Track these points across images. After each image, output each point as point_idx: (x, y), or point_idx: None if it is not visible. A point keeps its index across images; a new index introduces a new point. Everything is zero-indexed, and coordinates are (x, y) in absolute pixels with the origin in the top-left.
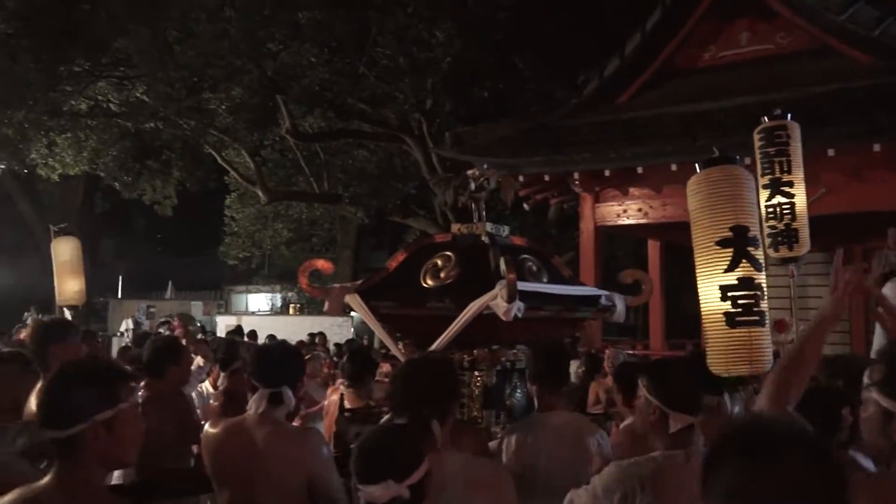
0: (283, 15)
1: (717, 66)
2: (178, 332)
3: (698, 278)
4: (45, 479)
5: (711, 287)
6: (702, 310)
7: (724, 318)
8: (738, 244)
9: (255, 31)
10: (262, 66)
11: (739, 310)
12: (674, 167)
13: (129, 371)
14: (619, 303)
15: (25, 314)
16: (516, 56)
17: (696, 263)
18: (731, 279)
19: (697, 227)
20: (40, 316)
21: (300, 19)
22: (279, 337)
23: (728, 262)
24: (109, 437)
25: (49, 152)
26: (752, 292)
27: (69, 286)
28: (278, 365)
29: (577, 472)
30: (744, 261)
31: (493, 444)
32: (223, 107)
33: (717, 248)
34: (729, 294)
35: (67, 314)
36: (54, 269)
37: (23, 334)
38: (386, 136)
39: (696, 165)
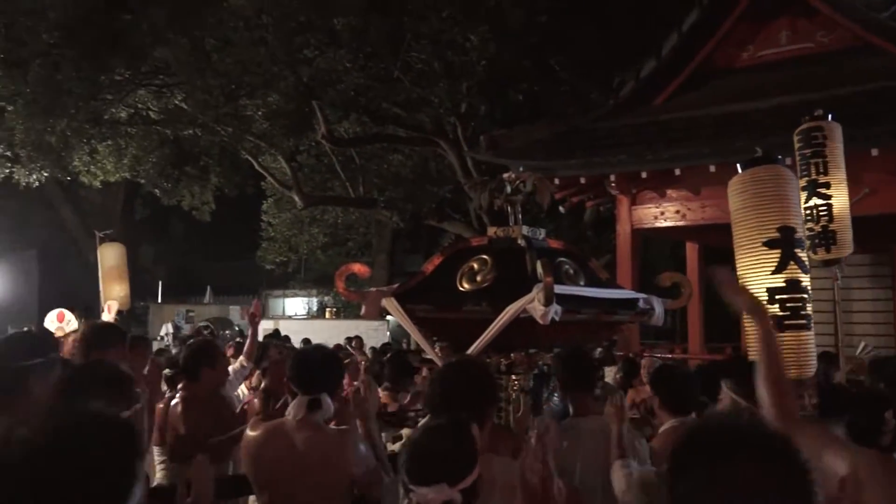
0: (318, 21)
1: (755, 66)
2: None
3: (742, 280)
4: None
5: (758, 289)
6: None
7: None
8: (786, 245)
9: (292, 37)
10: (298, 73)
11: (787, 313)
12: (712, 168)
13: (132, 374)
14: (658, 306)
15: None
16: (551, 58)
17: (740, 265)
18: (778, 281)
19: (741, 228)
20: (83, 320)
21: (335, 25)
22: (316, 341)
23: (776, 264)
24: None
25: (91, 160)
26: (799, 295)
27: (115, 291)
28: (317, 372)
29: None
30: (791, 262)
31: None
32: (260, 113)
33: (764, 249)
34: (777, 297)
35: (108, 317)
36: (100, 274)
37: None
38: (421, 141)
39: (738, 166)
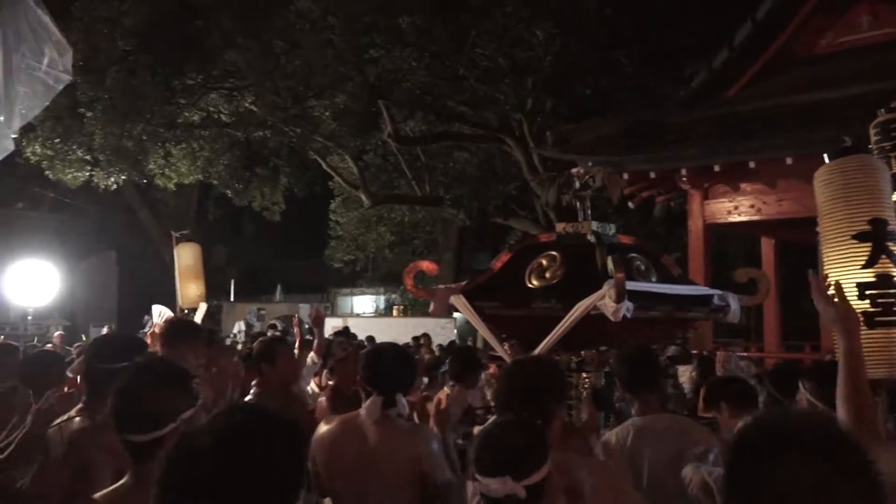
0: (384, 21)
1: (835, 54)
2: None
3: (828, 275)
4: (125, 483)
5: (846, 284)
6: None
7: (861, 319)
8: (878, 238)
9: (358, 38)
10: (365, 73)
11: (879, 309)
12: (789, 161)
13: (189, 371)
14: (734, 303)
15: (146, 318)
16: (619, 52)
17: (827, 260)
18: (868, 276)
19: (829, 220)
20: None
21: (401, 24)
22: (383, 339)
23: (866, 258)
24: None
25: (166, 163)
26: (890, 290)
27: (191, 290)
28: (391, 371)
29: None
30: (883, 256)
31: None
32: (327, 113)
33: (854, 242)
34: (867, 292)
35: (199, 316)
36: (177, 273)
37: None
38: (486, 138)
39: (825, 156)
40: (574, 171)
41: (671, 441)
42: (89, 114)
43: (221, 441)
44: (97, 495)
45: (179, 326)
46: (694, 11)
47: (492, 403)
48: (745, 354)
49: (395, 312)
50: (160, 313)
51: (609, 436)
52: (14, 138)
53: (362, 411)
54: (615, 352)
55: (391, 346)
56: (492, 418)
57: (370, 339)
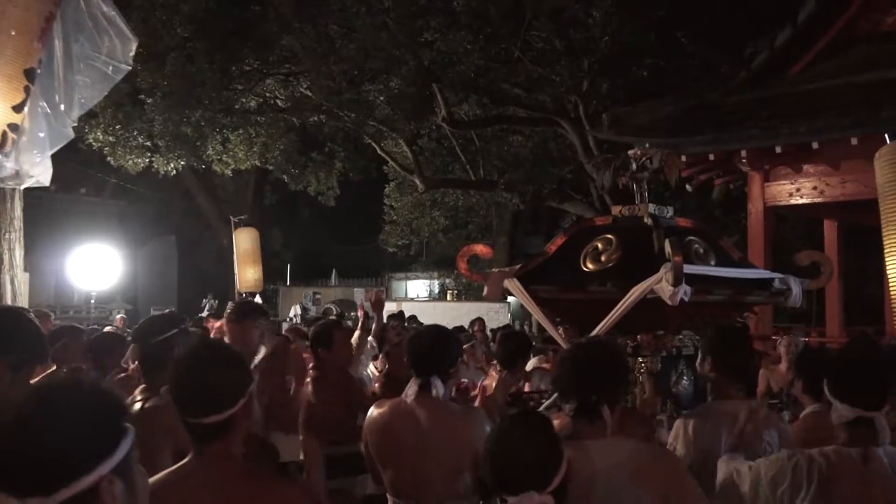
0: (438, 3)
1: None
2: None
3: (888, 256)
4: (190, 461)
5: None
6: (893, 291)
7: None
8: None
9: (412, 21)
10: (419, 56)
11: None
12: (854, 141)
13: (242, 354)
14: (795, 286)
15: (204, 301)
16: (678, 31)
17: (886, 241)
18: None
19: (888, 202)
20: (216, 302)
21: (455, 7)
22: (438, 322)
23: None
24: (251, 411)
25: (223, 149)
26: None
27: (249, 274)
28: (427, 354)
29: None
30: None
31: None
32: (382, 98)
33: None
34: None
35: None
36: (235, 257)
37: (211, 322)
38: (541, 121)
39: (886, 136)
40: (631, 152)
41: (750, 427)
42: (149, 100)
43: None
44: (158, 476)
45: (246, 306)
46: None
47: (542, 388)
48: (807, 339)
49: (448, 297)
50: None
51: (689, 417)
52: (73, 126)
53: (405, 394)
54: (710, 329)
55: (432, 329)
56: (546, 402)
57: (412, 318)
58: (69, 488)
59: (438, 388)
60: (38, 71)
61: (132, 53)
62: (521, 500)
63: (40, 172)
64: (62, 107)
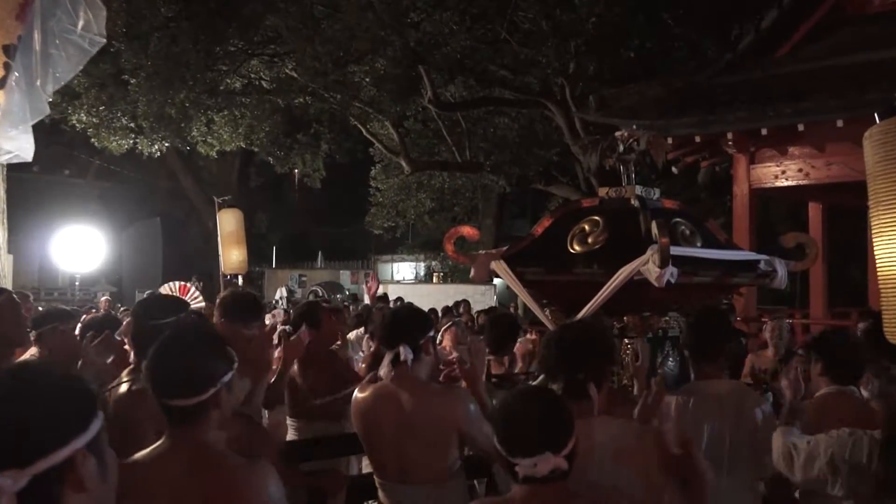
0: None
1: (889, 12)
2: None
3: (875, 238)
4: (162, 444)
5: (893, 247)
6: (879, 273)
7: None
8: None
9: (398, 1)
10: (405, 37)
11: None
12: (839, 123)
13: (222, 336)
14: (781, 268)
15: (189, 284)
16: (664, 13)
17: (875, 223)
18: None
19: (878, 182)
20: (201, 284)
21: None
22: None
23: None
24: (228, 399)
25: (208, 130)
26: None
27: (234, 256)
28: (395, 325)
29: (740, 442)
30: None
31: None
32: (367, 79)
33: None
34: None
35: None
36: (219, 239)
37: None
38: (528, 103)
39: (876, 116)
40: (618, 133)
41: (730, 406)
42: (133, 81)
43: None
44: (135, 456)
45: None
46: None
47: (529, 370)
48: (790, 321)
49: (434, 279)
50: (171, 289)
51: (668, 400)
52: (49, 101)
53: (380, 371)
54: (683, 315)
55: (402, 306)
56: (534, 383)
57: (398, 300)
58: (44, 460)
59: (408, 356)
60: (18, 47)
61: (104, 25)
62: (537, 461)
63: (20, 147)
64: (38, 82)
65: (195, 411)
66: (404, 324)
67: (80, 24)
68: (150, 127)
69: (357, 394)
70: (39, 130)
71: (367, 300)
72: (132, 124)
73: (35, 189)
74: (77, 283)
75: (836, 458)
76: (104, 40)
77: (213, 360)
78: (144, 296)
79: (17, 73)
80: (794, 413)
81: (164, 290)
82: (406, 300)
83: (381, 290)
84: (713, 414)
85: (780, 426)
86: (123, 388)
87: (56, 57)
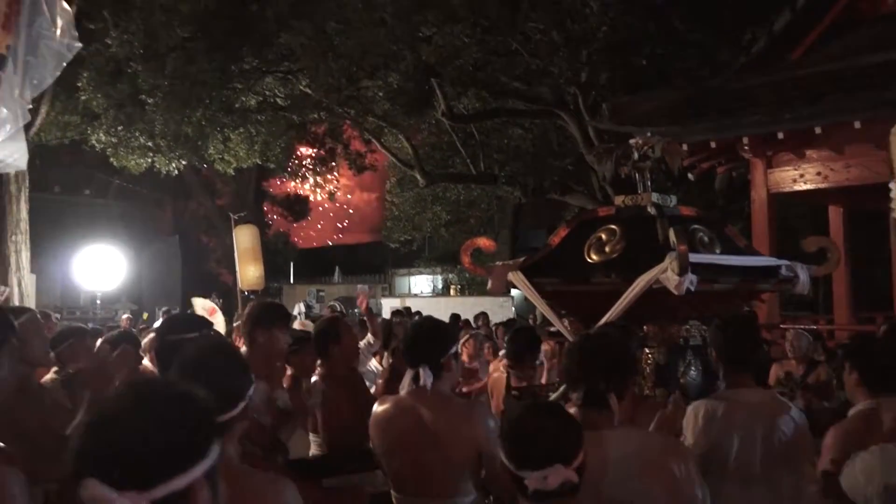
0: None
1: None
2: (363, 306)
3: None
4: None
5: None
6: None
7: None
8: None
9: (410, 15)
10: (417, 51)
11: None
12: (857, 125)
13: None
14: (802, 273)
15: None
16: (676, 19)
17: None
18: None
19: None
20: (220, 301)
21: (452, 0)
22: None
23: None
24: (247, 415)
25: (224, 147)
26: None
27: (250, 272)
28: (415, 344)
29: (773, 451)
30: None
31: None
32: (380, 94)
33: None
34: None
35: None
36: (236, 255)
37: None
38: (541, 113)
39: None
40: (632, 141)
41: (762, 415)
42: (150, 101)
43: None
44: None
45: (270, 308)
46: None
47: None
48: (815, 327)
49: (452, 292)
50: (204, 306)
51: (700, 405)
52: (29, 108)
53: (402, 386)
54: (711, 323)
55: (423, 320)
56: (554, 396)
57: (418, 314)
58: (165, 486)
59: (427, 378)
60: (7, 57)
61: (74, 27)
62: (546, 474)
63: (12, 154)
64: (19, 91)
65: (222, 428)
66: (426, 343)
67: (59, 29)
68: (167, 145)
69: (377, 407)
70: (61, 152)
71: (384, 315)
72: (150, 143)
73: (57, 209)
74: (98, 302)
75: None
76: (80, 44)
77: (239, 374)
78: (161, 312)
79: (6, 85)
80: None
81: (197, 305)
82: (424, 313)
83: (399, 304)
84: (745, 423)
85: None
86: None
87: (33, 63)
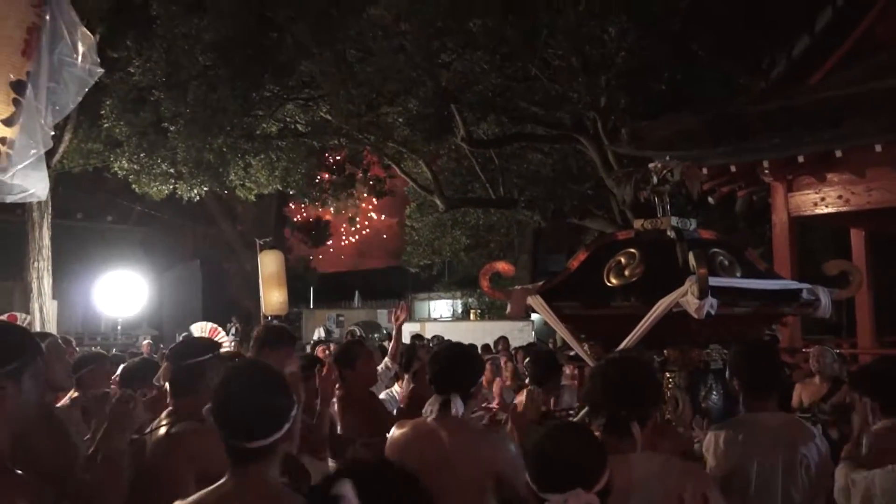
0: (454, 25)
1: None
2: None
3: None
4: (226, 484)
5: None
6: None
7: None
8: None
9: (429, 42)
10: (437, 77)
11: None
12: (878, 148)
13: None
14: (824, 297)
15: (228, 325)
16: (694, 44)
17: None
18: None
19: None
20: (240, 326)
21: (472, 28)
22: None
23: None
24: (293, 435)
25: (245, 174)
26: None
27: (274, 297)
28: (447, 372)
29: (794, 478)
30: None
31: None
32: (400, 120)
33: None
34: None
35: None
36: (261, 280)
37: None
38: (560, 138)
39: None
40: (652, 165)
41: (783, 439)
42: (172, 128)
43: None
44: (193, 497)
45: (275, 332)
46: (771, 0)
47: (573, 405)
48: (838, 351)
49: (472, 316)
50: (202, 329)
51: (721, 429)
52: (52, 135)
53: (425, 411)
54: (733, 345)
55: (453, 347)
56: (575, 418)
57: (435, 338)
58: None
59: (458, 407)
60: (27, 83)
61: (96, 52)
62: (567, 497)
63: (34, 184)
64: (43, 115)
65: (269, 450)
66: (458, 371)
67: (80, 55)
68: (189, 172)
69: (395, 430)
70: (83, 179)
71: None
72: (172, 170)
73: (79, 236)
74: (119, 328)
75: (892, 494)
76: (101, 69)
77: (282, 396)
78: (180, 337)
79: (30, 111)
80: (859, 445)
81: (196, 329)
82: (444, 338)
83: (418, 328)
84: (765, 448)
85: (843, 458)
86: (161, 431)
87: (55, 89)
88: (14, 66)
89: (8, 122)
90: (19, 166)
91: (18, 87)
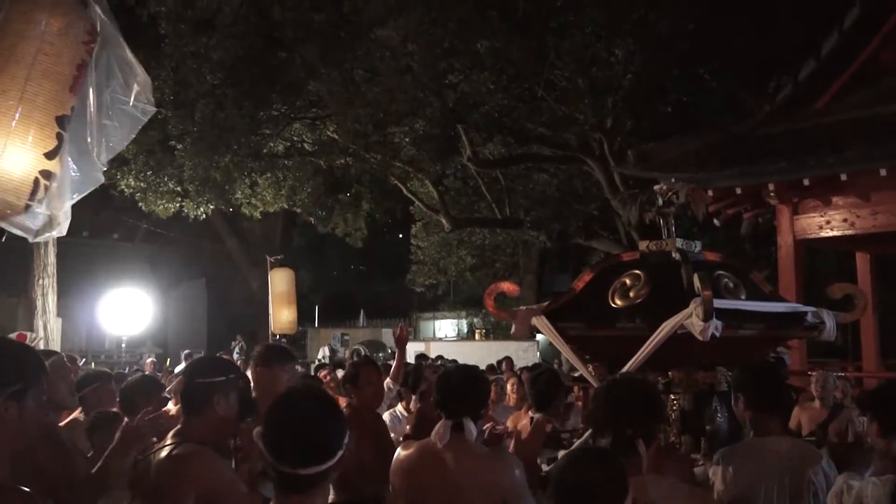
0: (461, 46)
1: None
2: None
3: None
4: None
5: None
6: None
7: None
8: None
9: (436, 63)
10: (443, 97)
11: None
12: (883, 172)
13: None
14: (829, 320)
15: (233, 343)
16: (701, 66)
17: None
18: None
19: None
20: (245, 345)
21: (479, 48)
22: (466, 362)
23: None
24: (344, 462)
25: (252, 192)
26: None
27: (284, 316)
28: (459, 395)
29: (801, 502)
30: None
31: (697, 471)
32: (407, 139)
33: None
34: None
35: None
36: (270, 298)
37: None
38: (566, 159)
39: None
40: (657, 187)
41: (790, 465)
42: (179, 147)
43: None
44: None
45: (274, 350)
46: (777, 24)
47: (577, 427)
48: (843, 374)
49: (476, 336)
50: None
51: (729, 456)
52: (104, 171)
53: (434, 436)
54: (739, 367)
55: (461, 369)
56: (578, 441)
57: (438, 357)
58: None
59: (471, 431)
60: (70, 118)
61: (151, 94)
62: None
63: (64, 220)
64: (96, 152)
65: (322, 477)
66: (469, 395)
67: (133, 94)
68: (195, 190)
69: (400, 451)
70: (89, 197)
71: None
72: (178, 188)
73: (84, 254)
74: (123, 346)
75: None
76: (154, 108)
77: (336, 422)
78: (184, 356)
79: (74, 146)
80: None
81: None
82: (449, 358)
83: (422, 348)
84: (773, 473)
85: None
86: (164, 452)
87: (110, 127)
88: (62, 101)
89: (51, 156)
90: (62, 200)
91: (62, 121)
